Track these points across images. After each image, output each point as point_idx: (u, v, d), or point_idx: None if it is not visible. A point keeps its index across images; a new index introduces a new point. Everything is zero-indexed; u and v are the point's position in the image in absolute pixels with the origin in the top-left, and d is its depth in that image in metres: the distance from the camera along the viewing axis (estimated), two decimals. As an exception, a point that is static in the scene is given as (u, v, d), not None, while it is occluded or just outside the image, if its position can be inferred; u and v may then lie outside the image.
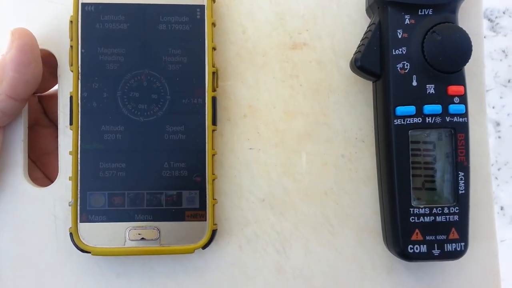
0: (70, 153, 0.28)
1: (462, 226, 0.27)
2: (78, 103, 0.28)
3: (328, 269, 0.30)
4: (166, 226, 0.28)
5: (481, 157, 0.30)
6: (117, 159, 0.28)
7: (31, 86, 0.28)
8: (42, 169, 0.32)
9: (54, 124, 0.33)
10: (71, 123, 0.28)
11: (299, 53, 0.31)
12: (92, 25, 0.28)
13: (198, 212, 0.28)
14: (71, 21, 0.28)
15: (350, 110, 0.31)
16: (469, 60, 0.27)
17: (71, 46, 0.28)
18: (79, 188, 0.28)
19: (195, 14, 0.29)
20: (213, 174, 0.29)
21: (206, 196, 0.28)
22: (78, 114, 0.28)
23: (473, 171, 0.28)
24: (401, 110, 0.27)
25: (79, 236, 0.28)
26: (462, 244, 0.27)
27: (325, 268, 0.30)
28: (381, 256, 0.30)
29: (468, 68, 0.28)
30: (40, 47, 0.29)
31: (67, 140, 0.29)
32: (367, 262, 0.30)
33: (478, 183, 0.30)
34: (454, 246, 0.27)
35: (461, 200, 0.27)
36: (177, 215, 0.28)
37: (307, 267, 0.30)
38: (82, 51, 0.28)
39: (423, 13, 0.27)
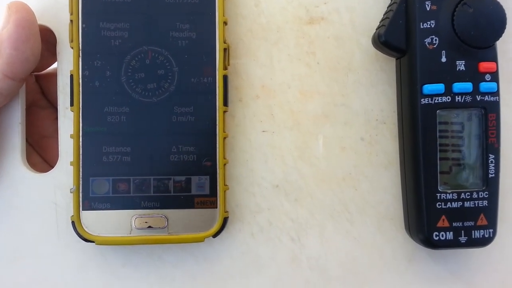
0: (71, 136, 0.26)
1: (491, 212, 0.26)
2: (79, 83, 0.26)
3: (346, 258, 0.28)
4: (174, 213, 0.26)
5: (510, 139, 0.28)
6: (122, 142, 0.26)
7: (30, 64, 0.26)
8: (40, 153, 0.30)
9: (52, 105, 0.31)
10: (71, 104, 0.26)
11: (316, 28, 0.29)
12: (93, -3, 0.26)
13: (209, 198, 0.26)
14: (70, -6, 0.26)
15: (370, 90, 0.29)
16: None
17: (71, 21, 0.26)
18: (81, 174, 0.26)
19: (204, -14, 0.27)
20: (224, 158, 0.27)
21: (216, 182, 0.26)
22: (79, 94, 0.26)
23: (502, 153, 0.26)
24: (428, 88, 0.25)
25: (81, 225, 0.26)
26: (491, 230, 0.26)
27: (343, 258, 0.28)
28: (402, 245, 0.28)
29: (498, 45, 0.26)
30: (38, 22, 0.27)
31: (67, 123, 0.27)
32: (388, 251, 0.29)
33: (507, 166, 0.28)
34: (482, 233, 0.26)
35: (491, 184, 0.26)
36: (186, 202, 0.26)
37: (323, 256, 0.28)
38: (83, 26, 0.26)
39: (453, -17, 0.25)
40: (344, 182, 0.29)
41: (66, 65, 0.28)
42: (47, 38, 0.28)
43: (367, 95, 0.29)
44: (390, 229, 0.29)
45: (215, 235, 0.27)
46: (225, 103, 0.27)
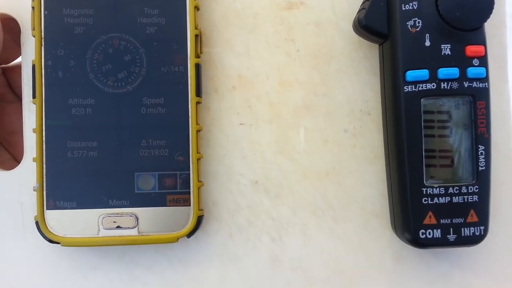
0: (34, 130, 0.25)
1: (482, 208, 0.24)
2: (41, 73, 0.25)
3: (330, 259, 0.27)
4: (144, 212, 0.25)
5: (503, 129, 0.27)
6: (88, 137, 0.25)
7: (-9, 55, 0.25)
8: (9, 150, 0.29)
9: (20, 99, 0.29)
10: (34, 96, 0.25)
11: (295, 14, 0.27)
12: (56, -17, 0.25)
13: (181, 196, 0.25)
14: (32, -21, 0.25)
15: (354, 79, 0.27)
16: (489, 19, 0.24)
17: (33, 8, 0.25)
18: (44, 171, 0.24)
19: (175, -30, 0.25)
20: (198, 153, 0.25)
21: (190, 178, 0.25)
22: (41, 85, 0.25)
23: (493, 145, 0.25)
24: (412, 74, 0.23)
25: (46, 225, 0.24)
26: (482, 228, 0.24)
27: (327, 258, 0.27)
28: (390, 243, 0.27)
29: (487, 29, 0.25)
30: (0, 11, 0.25)
31: (32, 116, 0.26)
32: (374, 250, 0.27)
33: (499, 158, 0.26)
34: (473, 231, 0.24)
35: (482, 178, 0.24)
36: (157, 200, 0.25)
37: (306, 257, 0.27)
38: (45, 13, 0.25)
39: (437, -39, 0.23)
40: (327, 177, 0.27)
41: (30, 55, 0.26)
42: (12, 28, 0.27)
43: (351, 84, 0.27)
44: (376, 227, 0.27)
45: (189, 235, 0.25)
46: (198, 93, 0.25)
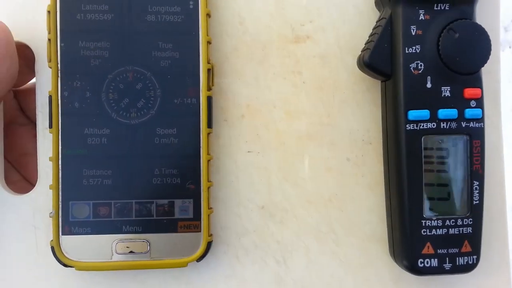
0: (50, 159, 0.25)
1: (475, 238, 0.26)
2: (58, 104, 0.25)
3: (332, 280, 0.28)
4: (156, 238, 0.26)
5: (495, 162, 0.28)
6: (103, 165, 0.25)
7: (6, 84, 0.25)
8: (20, 171, 0.30)
9: (32, 122, 0.30)
10: (50, 126, 0.25)
11: (302, 47, 0.28)
12: (72, 15, 0.25)
13: (192, 222, 0.26)
14: (48, 11, 0.25)
15: (356, 110, 0.28)
16: (485, 58, 0.25)
17: (49, 40, 0.25)
18: (60, 198, 0.25)
19: (188, 4, 0.26)
20: (208, 181, 0.26)
21: (200, 205, 0.26)
22: (58, 116, 0.25)
23: (486, 177, 0.26)
24: (414, 114, 0.25)
25: (61, 250, 0.25)
26: (475, 257, 0.26)
27: (328, 280, 0.28)
28: (388, 267, 0.28)
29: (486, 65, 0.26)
30: (15, 38, 0.26)
31: (46, 144, 0.27)
32: (373, 273, 0.28)
33: (491, 190, 0.28)
34: (466, 260, 0.26)
35: (475, 211, 0.25)
36: (169, 226, 0.26)
37: (308, 278, 0.28)
38: (61, 45, 0.25)
39: (439, 8, 0.25)
40: (330, 203, 0.28)
41: (44, 83, 0.27)
42: (25, 54, 0.27)
43: (353, 115, 0.28)
44: (376, 251, 0.28)
45: (199, 259, 0.26)
46: (209, 125, 0.26)
